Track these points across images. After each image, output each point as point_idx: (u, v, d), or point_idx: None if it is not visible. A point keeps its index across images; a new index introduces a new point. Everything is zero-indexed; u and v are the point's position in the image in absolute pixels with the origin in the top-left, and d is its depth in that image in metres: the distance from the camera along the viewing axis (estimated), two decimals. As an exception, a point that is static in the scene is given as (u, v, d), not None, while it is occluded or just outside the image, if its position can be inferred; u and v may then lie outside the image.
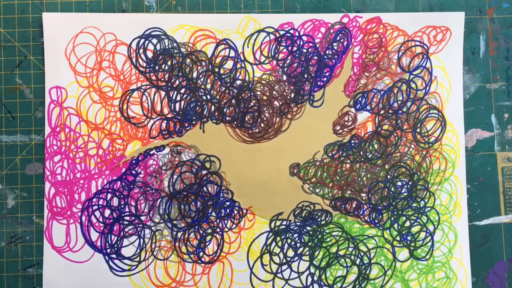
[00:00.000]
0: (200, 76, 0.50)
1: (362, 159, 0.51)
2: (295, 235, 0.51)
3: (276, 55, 0.51)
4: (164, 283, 0.49)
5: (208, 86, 0.50)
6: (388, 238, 0.51)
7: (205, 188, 0.50)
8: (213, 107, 0.50)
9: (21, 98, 0.50)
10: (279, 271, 0.50)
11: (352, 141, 0.51)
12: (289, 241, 0.50)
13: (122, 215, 0.49)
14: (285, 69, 0.51)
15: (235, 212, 0.50)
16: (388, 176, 0.51)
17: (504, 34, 0.53)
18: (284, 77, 0.51)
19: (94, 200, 0.49)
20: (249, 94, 0.51)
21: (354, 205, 0.51)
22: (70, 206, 0.49)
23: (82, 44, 0.50)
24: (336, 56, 0.51)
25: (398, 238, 0.51)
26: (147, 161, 0.50)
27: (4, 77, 0.50)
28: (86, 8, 0.51)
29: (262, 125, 0.51)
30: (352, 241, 0.51)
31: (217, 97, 0.50)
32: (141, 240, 0.49)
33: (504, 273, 0.52)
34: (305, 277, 0.50)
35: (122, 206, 0.49)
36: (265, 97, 0.51)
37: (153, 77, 0.50)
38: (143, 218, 0.50)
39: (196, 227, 0.50)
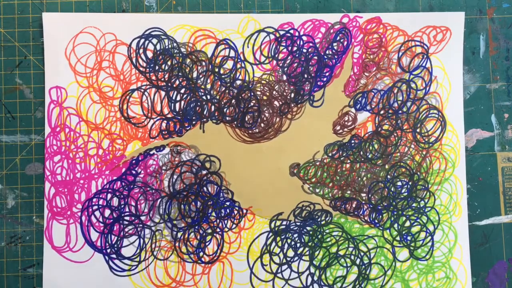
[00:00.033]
0: (200, 76, 0.50)
1: (362, 159, 0.51)
2: (295, 235, 0.51)
3: (276, 55, 0.51)
4: (164, 283, 0.49)
5: (208, 86, 0.50)
6: (388, 238, 0.51)
7: (205, 188, 0.50)
8: (213, 107, 0.50)
9: (21, 98, 0.50)
10: (279, 271, 0.50)
11: (352, 141, 0.51)
12: (289, 241, 0.50)
13: (122, 215, 0.49)
14: (285, 69, 0.51)
15: (235, 212, 0.50)
16: (388, 176, 0.51)
17: (504, 34, 0.53)
18: (284, 77, 0.51)
19: (94, 200, 0.49)
20: (249, 94, 0.51)
21: (354, 205, 0.51)
22: (70, 206, 0.49)
23: (82, 44, 0.50)
24: (336, 56, 0.51)
25: (398, 238, 0.51)
26: (147, 161, 0.50)
27: (4, 77, 0.50)
28: (86, 8, 0.51)
29: (262, 125, 0.51)
30: (352, 241, 0.51)
31: (217, 97, 0.50)
32: (141, 240, 0.49)
33: (504, 273, 0.52)
34: (305, 277, 0.50)
35: (122, 206, 0.49)
36: (265, 97, 0.51)
37: (153, 77, 0.50)
38: (143, 218, 0.50)
39: (196, 227, 0.50)
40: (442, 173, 0.52)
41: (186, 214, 0.50)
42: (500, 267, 0.52)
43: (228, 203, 0.50)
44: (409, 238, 0.51)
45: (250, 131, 0.51)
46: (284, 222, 0.51)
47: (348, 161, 0.51)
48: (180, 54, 0.50)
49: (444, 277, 0.51)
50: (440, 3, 0.53)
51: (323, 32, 0.51)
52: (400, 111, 0.52)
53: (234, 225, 0.50)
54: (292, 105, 0.51)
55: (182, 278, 0.50)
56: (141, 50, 0.50)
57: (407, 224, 0.51)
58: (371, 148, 0.51)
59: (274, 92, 0.51)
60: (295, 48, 0.51)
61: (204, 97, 0.50)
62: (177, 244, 0.50)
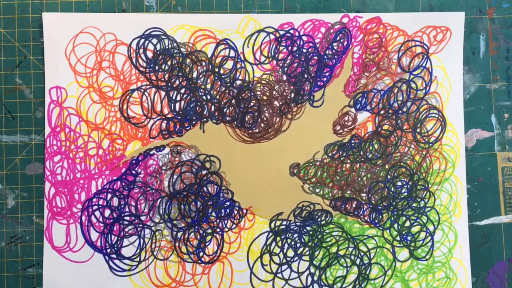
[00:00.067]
0: (200, 76, 0.50)
1: (362, 159, 0.51)
2: (295, 235, 0.51)
3: (276, 55, 0.51)
4: (164, 283, 0.49)
5: (208, 86, 0.50)
6: (388, 238, 0.51)
7: (205, 188, 0.50)
8: (213, 107, 0.50)
9: (21, 98, 0.50)
10: (279, 271, 0.50)
11: (352, 141, 0.51)
12: (289, 241, 0.50)
13: (122, 215, 0.49)
14: (285, 69, 0.51)
15: (235, 212, 0.50)
16: (388, 176, 0.51)
17: (504, 34, 0.53)
18: (284, 77, 0.51)
19: (94, 200, 0.49)
20: (249, 94, 0.51)
21: (354, 205, 0.51)
22: (70, 206, 0.49)
23: (82, 44, 0.50)
24: (336, 56, 0.51)
25: (398, 238, 0.51)
26: (147, 161, 0.50)
27: (4, 77, 0.50)
28: (86, 8, 0.51)
29: (262, 125, 0.51)
30: (352, 241, 0.51)
31: (217, 97, 0.50)
32: (141, 240, 0.49)
33: (504, 273, 0.52)
34: (305, 277, 0.50)
35: (122, 206, 0.49)
36: (265, 97, 0.51)
37: (153, 77, 0.50)
38: (143, 218, 0.50)
39: (196, 227, 0.50)
40: (442, 173, 0.52)
41: (186, 214, 0.50)
42: (500, 267, 0.52)
43: (228, 203, 0.50)
44: (409, 238, 0.51)
45: (250, 131, 0.51)
46: (284, 222, 0.51)
47: (348, 161, 0.51)
48: (180, 54, 0.50)
49: (444, 277, 0.51)
50: (440, 3, 0.53)
51: (323, 32, 0.51)
52: (400, 111, 0.52)
53: (234, 225, 0.50)
54: (292, 105, 0.51)
55: (182, 278, 0.50)
56: (141, 50, 0.50)
57: (407, 224, 0.51)
58: (371, 148, 0.51)
59: (274, 92, 0.51)
60: (295, 48, 0.51)
61: (204, 97, 0.50)
62: (177, 244, 0.50)
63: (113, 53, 0.50)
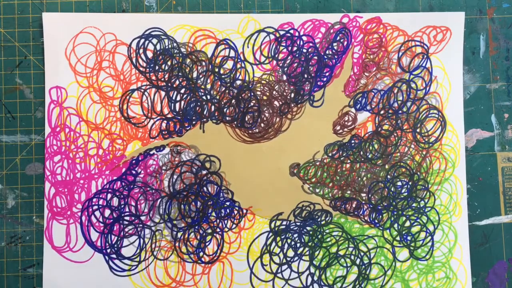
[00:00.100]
0: (200, 76, 0.50)
1: (362, 159, 0.51)
2: (295, 235, 0.51)
3: (276, 55, 0.51)
4: (164, 283, 0.49)
5: (208, 86, 0.50)
6: (388, 238, 0.51)
7: (205, 188, 0.50)
8: (213, 107, 0.50)
9: (21, 98, 0.50)
10: (279, 271, 0.50)
11: (352, 141, 0.51)
12: (289, 241, 0.50)
13: (122, 215, 0.49)
14: (285, 69, 0.51)
15: (235, 212, 0.50)
16: (388, 176, 0.51)
17: (504, 34, 0.53)
18: (284, 77, 0.51)
19: (94, 200, 0.49)
20: (249, 94, 0.51)
21: (354, 205, 0.51)
22: (70, 206, 0.49)
23: (82, 44, 0.50)
24: (336, 56, 0.51)
25: (398, 238, 0.51)
26: (147, 161, 0.50)
27: (4, 77, 0.50)
28: (86, 8, 0.51)
29: (262, 125, 0.51)
30: (352, 241, 0.51)
31: (217, 97, 0.50)
32: (141, 240, 0.49)
33: (504, 273, 0.52)
34: (305, 277, 0.50)
35: (122, 206, 0.49)
36: (265, 97, 0.51)
37: (153, 77, 0.50)
38: (143, 218, 0.50)
39: (196, 227, 0.50)
40: (442, 173, 0.52)
41: (186, 214, 0.50)
42: (500, 267, 0.52)
43: (228, 203, 0.50)
44: (409, 238, 0.51)
45: (250, 131, 0.51)
46: (284, 222, 0.51)
47: (348, 161, 0.51)
48: (180, 54, 0.50)
49: (444, 277, 0.51)
50: (440, 3, 0.53)
51: (323, 32, 0.51)
52: (400, 111, 0.52)
53: (234, 225, 0.50)
54: (292, 105, 0.51)
55: (182, 278, 0.50)
56: (141, 50, 0.50)
57: (407, 224, 0.51)
58: (371, 148, 0.51)
59: (274, 92, 0.51)
60: (295, 48, 0.51)
61: (204, 97, 0.50)
62: (177, 244, 0.50)
63: (113, 53, 0.50)
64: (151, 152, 0.50)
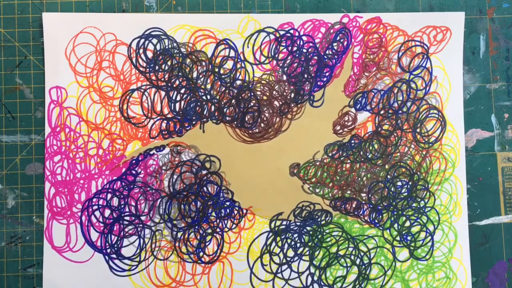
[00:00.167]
0: (200, 76, 0.50)
1: (362, 159, 0.51)
2: (295, 235, 0.51)
3: (276, 55, 0.51)
4: (164, 283, 0.49)
5: (208, 86, 0.50)
6: (388, 238, 0.51)
7: (205, 188, 0.50)
8: (213, 107, 0.50)
9: (21, 98, 0.50)
10: (279, 271, 0.50)
11: (352, 141, 0.51)
12: (289, 241, 0.50)
13: (122, 215, 0.49)
14: (285, 69, 0.51)
15: (235, 212, 0.50)
16: (388, 176, 0.51)
17: (504, 34, 0.53)
18: (284, 77, 0.51)
19: (94, 200, 0.49)
20: (249, 94, 0.51)
21: (354, 205, 0.51)
22: (70, 206, 0.49)
23: (82, 44, 0.50)
24: (336, 56, 0.51)
25: (398, 238, 0.51)
26: (147, 161, 0.50)
27: (4, 77, 0.50)
28: (86, 8, 0.51)
29: (262, 125, 0.51)
30: (352, 241, 0.51)
31: (217, 97, 0.50)
32: (141, 240, 0.49)
33: (504, 273, 0.52)
34: (305, 277, 0.50)
35: (122, 206, 0.49)
36: (265, 97, 0.51)
37: (153, 77, 0.50)
38: (143, 218, 0.50)
39: (196, 227, 0.50)
40: (442, 173, 0.52)
41: (186, 214, 0.50)
42: (500, 267, 0.52)
43: (228, 203, 0.50)
44: (409, 238, 0.51)
45: (250, 131, 0.51)
46: (284, 222, 0.51)
47: (348, 161, 0.51)
48: (180, 54, 0.50)
49: (444, 277, 0.51)
50: (440, 3, 0.53)
51: (323, 32, 0.51)
52: (400, 111, 0.52)
53: (234, 225, 0.50)
54: (292, 105, 0.51)
55: (182, 278, 0.50)
56: (141, 50, 0.50)
57: (407, 224, 0.51)
58: (371, 148, 0.51)
59: (274, 92, 0.51)
60: (295, 48, 0.51)
61: (204, 97, 0.50)
62: (177, 244, 0.50)
63: (113, 53, 0.50)
64: (151, 152, 0.50)
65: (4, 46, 0.50)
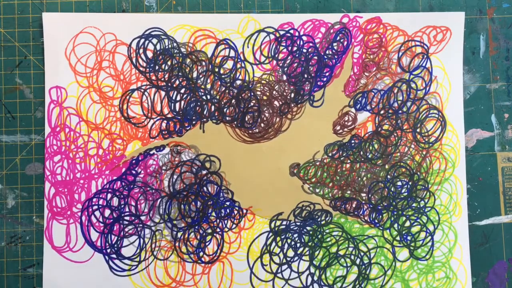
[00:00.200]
0: (200, 76, 0.50)
1: (362, 159, 0.51)
2: (295, 235, 0.51)
3: (276, 55, 0.51)
4: (164, 283, 0.49)
5: (208, 86, 0.50)
6: (388, 238, 0.51)
7: (205, 188, 0.50)
8: (213, 107, 0.50)
9: (21, 98, 0.50)
10: (279, 271, 0.50)
11: (352, 141, 0.51)
12: (289, 241, 0.50)
13: (122, 215, 0.49)
14: (285, 69, 0.51)
15: (235, 212, 0.50)
16: (388, 176, 0.51)
17: (504, 34, 0.53)
18: (284, 77, 0.51)
19: (94, 200, 0.49)
20: (249, 94, 0.51)
21: (354, 205, 0.51)
22: (70, 206, 0.49)
23: (82, 44, 0.50)
24: (336, 56, 0.51)
25: (398, 238, 0.51)
26: (147, 161, 0.50)
27: (4, 77, 0.50)
28: (86, 8, 0.51)
29: (262, 125, 0.51)
30: (352, 241, 0.51)
31: (217, 97, 0.50)
32: (141, 240, 0.49)
33: (504, 273, 0.52)
34: (305, 277, 0.50)
35: (122, 206, 0.49)
36: (265, 97, 0.51)
37: (153, 77, 0.50)
38: (143, 218, 0.50)
39: (196, 227, 0.50)
40: (442, 173, 0.52)
41: (186, 214, 0.50)
42: (500, 267, 0.52)
43: (228, 203, 0.50)
44: (409, 238, 0.51)
45: (250, 131, 0.51)
46: (284, 222, 0.51)
47: (348, 161, 0.51)
48: (180, 54, 0.50)
49: (444, 277, 0.51)
50: (440, 3, 0.53)
51: (323, 32, 0.51)
52: (400, 111, 0.52)
53: (234, 225, 0.50)
54: (292, 105, 0.51)
55: (182, 278, 0.50)
56: (141, 50, 0.50)
57: (407, 224, 0.51)
58: (371, 148, 0.51)
59: (274, 92, 0.51)
60: (295, 48, 0.51)
61: (204, 97, 0.50)
62: (177, 244, 0.50)
63: (113, 53, 0.50)
64: (151, 152, 0.50)
65: (4, 46, 0.50)
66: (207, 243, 0.50)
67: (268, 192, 0.50)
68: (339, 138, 0.51)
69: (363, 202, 0.51)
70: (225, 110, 0.50)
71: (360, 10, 0.52)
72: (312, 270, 0.50)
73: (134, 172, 0.50)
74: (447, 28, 0.52)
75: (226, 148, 0.50)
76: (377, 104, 0.51)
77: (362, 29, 0.51)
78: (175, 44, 0.50)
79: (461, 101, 0.52)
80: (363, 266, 0.51)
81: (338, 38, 0.51)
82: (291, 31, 0.51)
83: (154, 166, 0.50)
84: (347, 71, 0.51)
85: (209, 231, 0.50)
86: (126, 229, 0.49)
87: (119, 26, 0.50)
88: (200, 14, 0.51)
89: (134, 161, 0.50)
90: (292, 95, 0.51)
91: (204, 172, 0.50)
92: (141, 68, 0.50)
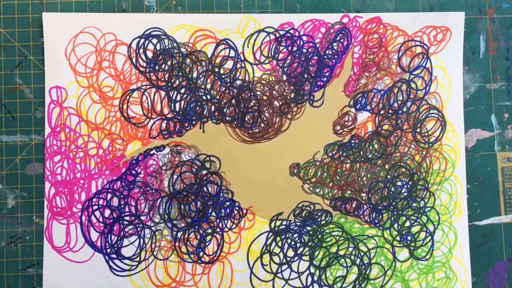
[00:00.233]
0: (200, 76, 0.50)
1: (362, 159, 0.51)
2: (295, 235, 0.51)
3: (276, 55, 0.51)
4: (164, 283, 0.49)
5: (208, 86, 0.50)
6: (388, 238, 0.51)
7: (205, 188, 0.50)
8: (213, 107, 0.50)
9: (21, 98, 0.50)
10: (279, 271, 0.50)
11: (352, 141, 0.51)
12: (289, 241, 0.50)
13: (122, 215, 0.49)
14: (285, 69, 0.51)
15: (235, 212, 0.50)
16: (388, 176, 0.51)
17: (504, 34, 0.53)
18: (284, 77, 0.51)
19: (94, 200, 0.49)
20: (249, 94, 0.51)
21: (354, 205, 0.51)
22: (70, 206, 0.49)
23: (82, 44, 0.50)
24: (336, 56, 0.51)
25: (398, 238, 0.51)
26: (147, 161, 0.50)
27: (4, 77, 0.50)
28: (86, 8, 0.51)
29: (262, 125, 0.51)
30: (352, 241, 0.51)
31: (217, 97, 0.50)
32: (141, 240, 0.49)
33: (504, 273, 0.52)
34: (305, 277, 0.50)
35: (122, 206, 0.49)
36: (265, 97, 0.51)
37: (153, 77, 0.50)
38: (143, 218, 0.50)
39: (196, 227, 0.50)
40: (442, 173, 0.52)
41: (186, 214, 0.50)
42: (500, 267, 0.52)
43: (228, 203, 0.50)
44: (409, 238, 0.51)
45: (250, 131, 0.51)
46: (284, 222, 0.51)
47: (348, 161, 0.51)
48: (180, 54, 0.50)
49: (444, 277, 0.51)
50: (440, 3, 0.53)
51: (323, 32, 0.51)
52: (400, 111, 0.52)
53: (234, 225, 0.50)
54: (292, 105, 0.51)
55: (182, 278, 0.50)
56: (141, 50, 0.50)
57: (407, 224, 0.51)
58: (371, 148, 0.51)
59: (274, 92, 0.51)
60: (295, 48, 0.51)
61: (204, 97, 0.50)
62: (177, 244, 0.50)
63: (113, 53, 0.50)
64: (151, 152, 0.50)
65: (4, 46, 0.50)
66: (207, 243, 0.50)
67: (268, 192, 0.50)
68: (339, 138, 0.51)
69: (363, 202, 0.51)
70: (225, 110, 0.50)
71: (360, 10, 0.52)
72: (312, 270, 0.50)
73: (134, 172, 0.50)
74: (447, 28, 0.52)
75: (226, 148, 0.50)
76: (377, 104, 0.51)
77: (362, 29, 0.51)
78: (175, 44, 0.50)
79: (461, 101, 0.52)
80: (363, 266, 0.51)
81: (338, 38, 0.51)
82: (291, 31, 0.51)
83: (154, 166, 0.50)
84: (347, 71, 0.51)
85: (209, 231, 0.50)
86: (126, 229, 0.49)
87: (119, 26, 0.50)
88: (200, 14, 0.51)
89: (134, 161, 0.50)
90: (292, 95, 0.51)
91: (204, 172, 0.50)
92: (141, 68, 0.50)
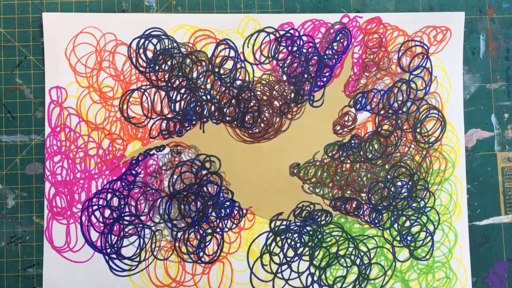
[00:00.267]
0: (200, 76, 0.50)
1: (362, 159, 0.51)
2: (295, 235, 0.51)
3: (276, 55, 0.51)
4: (164, 283, 0.49)
5: (208, 86, 0.50)
6: (388, 238, 0.51)
7: (205, 188, 0.50)
8: (213, 107, 0.50)
9: (21, 98, 0.50)
10: (279, 271, 0.50)
11: (352, 141, 0.51)
12: (289, 241, 0.50)
13: (122, 215, 0.49)
14: (285, 69, 0.51)
15: (235, 212, 0.50)
16: (388, 176, 0.51)
17: (504, 34, 0.53)
18: (284, 77, 0.51)
19: (94, 200, 0.49)
20: (249, 94, 0.51)
21: (354, 205, 0.51)
22: (70, 206, 0.49)
23: (82, 44, 0.50)
24: (336, 56, 0.51)
25: (398, 238, 0.51)
26: (147, 161, 0.50)
27: (4, 77, 0.50)
28: (86, 8, 0.51)
29: (262, 125, 0.51)
30: (352, 241, 0.51)
31: (217, 97, 0.50)
32: (141, 240, 0.49)
33: (504, 273, 0.52)
34: (305, 277, 0.50)
35: (122, 206, 0.49)
36: (265, 97, 0.51)
37: (153, 77, 0.50)
38: (143, 218, 0.50)
39: (196, 227, 0.50)
40: (442, 173, 0.52)
41: (186, 214, 0.50)
42: (500, 267, 0.52)
43: (228, 203, 0.50)
44: (409, 238, 0.51)
45: (250, 131, 0.51)
46: (284, 222, 0.51)
47: (348, 161, 0.51)
48: (180, 54, 0.50)
49: (444, 277, 0.51)
50: (440, 3, 0.53)
51: (323, 32, 0.51)
52: (400, 111, 0.52)
53: (234, 225, 0.50)
54: (292, 105, 0.51)
55: (182, 278, 0.50)
56: (141, 50, 0.50)
57: (407, 224, 0.51)
58: (371, 148, 0.51)
59: (274, 92, 0.51)
60: (295, 48, 0.51)
61: (204, 97, 0.50)
62: (177, 244, 0.50)
63: (113, 53, 0.50)
64: (151, 152, 0.50)
65: (4, 46, 0.50)
66: (207, 243, 0.50)
67: (268, 192, 0.50)
68: (339, 138, 0.51)
69: (363, 202, 0.51)
70: (225, 110, 0.50)
71: (360, 10, 0.52)
72: (312, 270, 0.50)
73: (134, 172, 0.50)
74: (447, 28, 0.52)
75: (226, 148, 0.50)
76: (377, 104, 0.51)
77: (362, 29, 0.51)
78: (175, 44, 0.50)
79: (461, 101, 0.52)
80: (363, 266, 0.51)
81: (338, 38, 0.51)
82: (291, 31, 0.51)
83: (154, 166, 0.50)
84: (347, 71, 0.51)
85: (209, 231, 0.50)
86: (126, 229, 0.49)
87: (119, 26, 0.50)
88: (200, 14, 0.51)
89: (134, 161, 0.50)
90: (292, 95, 0.51)
91: (204, 172, 0.50)
92: (141, 68, 0.50)
